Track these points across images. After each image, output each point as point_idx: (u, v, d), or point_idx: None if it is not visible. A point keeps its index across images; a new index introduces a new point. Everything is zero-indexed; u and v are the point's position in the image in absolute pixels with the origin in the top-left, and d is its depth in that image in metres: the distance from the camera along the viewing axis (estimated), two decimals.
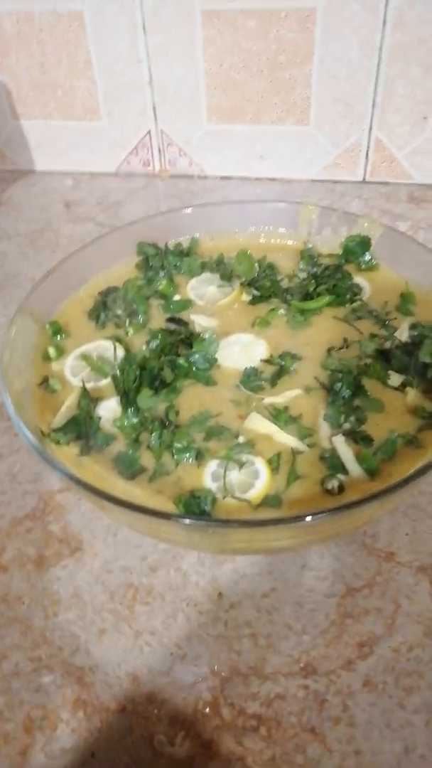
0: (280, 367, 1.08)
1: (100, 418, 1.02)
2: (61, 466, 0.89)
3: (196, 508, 0.89)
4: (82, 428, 1.01)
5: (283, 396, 1.04)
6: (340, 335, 1.15)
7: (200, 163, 1.93)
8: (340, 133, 1.80)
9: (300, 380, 1.03)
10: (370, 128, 1.77)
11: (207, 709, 0.80)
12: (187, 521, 0.79)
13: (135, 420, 0.96)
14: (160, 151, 1.92)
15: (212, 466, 0.90)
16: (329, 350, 1.12)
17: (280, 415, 1.01)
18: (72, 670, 0.84)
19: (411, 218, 1.80)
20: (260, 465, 0.94)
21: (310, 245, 1.28)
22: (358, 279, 1.20)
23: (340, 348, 1.12)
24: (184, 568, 0.94)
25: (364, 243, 1.23)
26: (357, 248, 1.23)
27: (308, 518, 0.78)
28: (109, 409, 1.05)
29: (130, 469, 0.91)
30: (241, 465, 0.92)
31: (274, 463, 0.95)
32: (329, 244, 1.28)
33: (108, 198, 1.87)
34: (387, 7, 1.66)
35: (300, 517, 0.79)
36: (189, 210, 1.30)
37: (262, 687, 0.82)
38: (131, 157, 1.95)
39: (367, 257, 1.23)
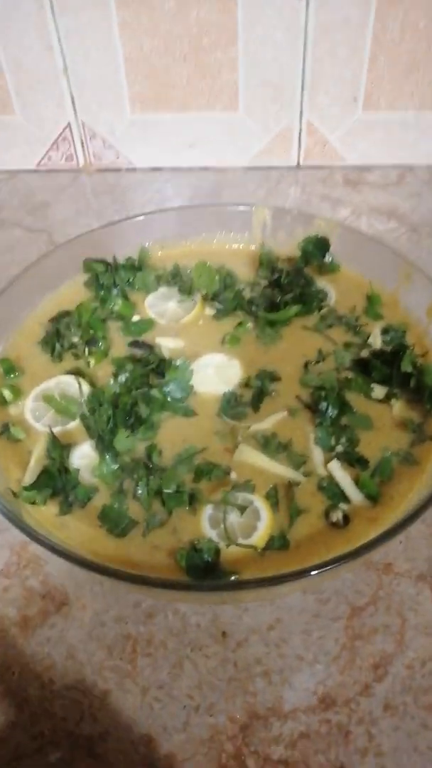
0: (259, 390, 1.03)
1: (77, 470, 0.93)
2: (42, 533, 0.80)
3: (198, 560, 0.84)
4: (57, 482, 0.92)
5: (268, 421, 0.99)
6: (314, 347, 1.11)
7: (128, 155, 1.81)
8: (270, 117, 1.70)
9: (282, 401, 0.99)
10: (301, 111, 1.69)
11: (231, 762, 0.75)
12: (203, 588, 0.73)
13: (115, 466, 0.90)
14: (83, 144, 1.79)
15: (208, 510, 0.86)
16: (306, 365, 1.08)
17: (269, 444, 0.96)
18: (81, 742, 0.77)
19: (350, 203, 1.76)
20: (259, 503, 0.89)
21: (267, 249, 1.22)
22: (322, 283, 1.17)
23: (317, 362, 1.08)
24: (182, 610, 0.88)
25: (322, 244, 1.19)
26: (315, 250, 1.19)
27: (325, 568, 0.73)
28: (84, 455, 0.96)
29: (119, 526, 0.85)
30: (242, 510, 0.87)
31: (272, 499, 0.91)
32: (286, 246, 1.23)
33: (32, 198, 1.74)
34: None
35: (319, 566, 0.74)
36: (138, 219, 1.23)
37: (283, 728, 0.78)
38: (52, 152, 1.80)
39: (327, 259, 1.19)
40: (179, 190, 1.72)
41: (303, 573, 0.74)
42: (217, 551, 0.81)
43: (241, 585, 0.76)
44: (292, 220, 1.25)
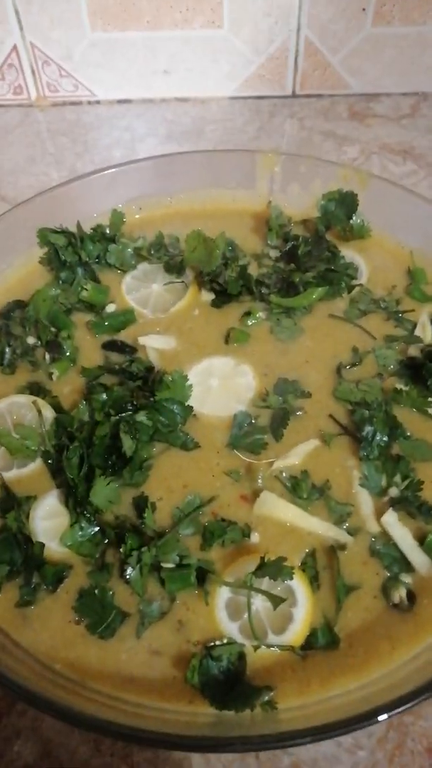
0: (281, 410, 0.81)
1: (42, 545, 0.68)
2: None
3: (217, 672, 0.63)
4: (14, 556, 0.70)
5: (296, 454, 0.78)
6: (347, 342, 0.90)
7: (89, 85, 1.57)
8: (262, 35, 1.48)
9: (311, 423, 0.82)
10: (298, 27, 1.48)
11: None
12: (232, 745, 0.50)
13: (92, 531, 0.72)
14: (33, 71, 1.54)
15: (224, 594, 0.68)
16: (339, 369, 0.86)
17: (299, 488, 0.75)
18: None
19: (357, 140, 1.53)
20: (294, 580, 0.65)
21: (277, 209, 1.03)
22: (348, 253, 0.99)
23: (353, 365, 0.87)
24: None
25: (348, 201, 1.00)
26: (339, 209, 1.01)
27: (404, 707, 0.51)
28: (48, 512, 0.74)
29: (103, 621, 0.67)
30: (275, 602, 0.62)
31: (310, 571, 0.70)
32: (300, 204, 1.06)
33: None
34: None
35: (395, 704, 0.51)
36: (108, 173, 1.04)
37: None
38: None
39: (355, 221, 1.00)
40: (152, 127, 1.53)
41: (369, 716, 0.51)
42: (242, 656, 0.64)
43: (290, 736, 0.52)
44: (307, 169, 1.04)
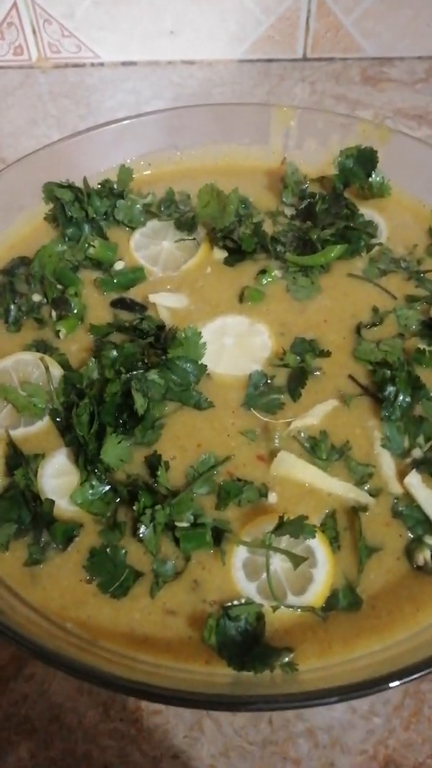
0: (299, 369, 0.78)
1: (52, 503, 0.65)
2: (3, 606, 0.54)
3: (234, 633, 0.61)
4: (23, 515, 0.67)
5: (315, 414, 0.75)
6: (366, 302, 0.87)
7: (92, 46, 1.53)
8: None
9: (330, 383, 0.79)
10: None
11: None
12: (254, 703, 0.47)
13: (103, 489, 0.69)
14: (34, 31, 1.51)
15: (242, 553, 0.66)
16: (358, 329, 0.83)
17: (318, 448, 0.73)
18: None
19: (371, 105, 1.49)
20: (314, 540, 0.63)
21: (292, 165, 1.00)
22: (367, 212, 0.96)
23: (373, 324, 0.84)
24: None
25: (368, 158, 0.96)
26: (357, 166, 0.97)
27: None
28: (58, 472, 0.72)
29: (116, 580, 0.64)
30: (295, 561, 0.60)
31: (330, 532, 0.67)
32: (317, 161, 1.02)
33: None
34: None
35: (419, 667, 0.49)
36: (116, 126, 1.00)
37: None
38: None
39: (375, 178, 0.97)
40: (158, 89, 1.49)
41: (400, 675, 0.49)
42: (260, 617, 0.62)
43: (313, 696, 0.50)
44: (325, 124, 1.00)
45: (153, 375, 0.74)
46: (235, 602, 0.62)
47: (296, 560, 0.60)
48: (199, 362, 0.77)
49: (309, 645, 0.61)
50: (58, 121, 1.41)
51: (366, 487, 0.70)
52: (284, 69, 1.56)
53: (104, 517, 0.68)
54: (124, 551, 0.65)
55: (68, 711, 0.66)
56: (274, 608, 0.61)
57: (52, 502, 0.67)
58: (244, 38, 1.52)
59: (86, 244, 0.91)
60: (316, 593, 0.63)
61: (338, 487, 0.69)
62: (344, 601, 0.63)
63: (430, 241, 0.92)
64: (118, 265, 0.91)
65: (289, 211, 0.98)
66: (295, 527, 0.60)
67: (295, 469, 0.70)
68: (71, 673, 0.52)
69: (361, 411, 0.76)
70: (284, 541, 0.63)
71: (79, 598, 0.63)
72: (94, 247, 0.90)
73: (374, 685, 0.51)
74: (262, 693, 0.54)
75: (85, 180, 0.97)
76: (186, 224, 0.95)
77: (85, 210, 0.94)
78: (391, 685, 0.52)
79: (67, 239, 0.93)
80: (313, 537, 0.60)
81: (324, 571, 0.63)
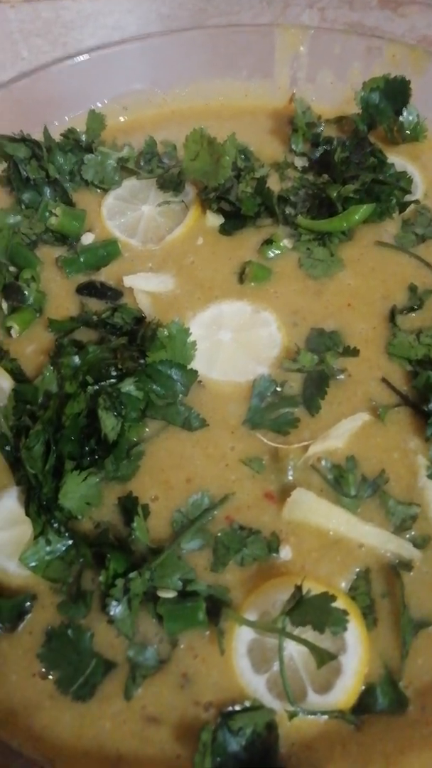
0: (318, 372, 0.64)
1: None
2: None
3: (238, 750, 0.47)
4: None
5: (339, 433, 0.62)
6: (401, 278, 0.74)
7: None
8: None
9: (358, 390, 0.67)
10: None
11: None
12: None
13: (64, 546, 0.56)
14: None
15: (245, 635, 0.51)
16: (392, 314, 0.69)
17: (345, 480, 0.59)
18: None
19: (392, 33, 1.35)
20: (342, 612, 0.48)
21: (303, 103, 0.84)
22: (397, 160, 0.82)
23: (410, 309, 0.69)
24: None
25: (399, 91, 0.82)
26: (385, 101, 0.83)
27: None
28: (5, 519, 0.59)
29: (79, 675, 0.50)
30: (322, 661, 0.45)
31: (361, 600, 0.53)
32: (333, 96, 0.89)
33: None
34: None
35: None
36: (77, 62, 0.87)
37: None
38: None
39: (407, 117, 0.82)
40: (145, 23, 1.35)
41: None
42: (272, 727, 0.49)
43: None
44: (343, 49, 0.86)
45: (128, 386, 0.61)
46: (238, 706, 0.49)
47: (321, 657, 0.45)
48: (188, 367, 0.64)
49: (338, 764, 0.47)
50: (30, 64, 1.23)
51: (409, 535, 0.57)
52: None
53: (65, 584, 0.54)
54: (90, 633, 0.53)
55: None
56: (291, 714, 0.48)
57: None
58: None
59: (46, 212, 0.78)
60: (346, 690, 0.49)
61: (372, 536, 0.57)
62: (384, 701, 0.51)
63: None
64: (87, 239, 0.79)
65: (300, 162, 0.85)
66: (319, 613, 0.45)
67: (315, 512, 0.58)
68: None
69: (400, 428, 0.63)
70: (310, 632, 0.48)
71: (30, 701, 0.50)
72: (56, 215, 0.79)
73: None
74: None
75: (45, 130, 0.83)
76: (171, 183, 0.82)
77: (44, 169, 0.81)
78: None
79: (23, 207, 0.81)
80: (345, 630, 0.44)
81: (356, 657, 0.50)
